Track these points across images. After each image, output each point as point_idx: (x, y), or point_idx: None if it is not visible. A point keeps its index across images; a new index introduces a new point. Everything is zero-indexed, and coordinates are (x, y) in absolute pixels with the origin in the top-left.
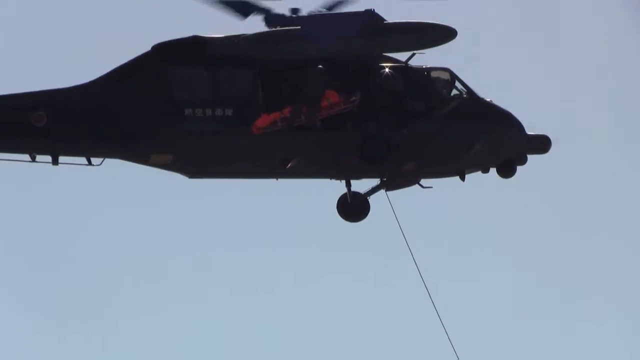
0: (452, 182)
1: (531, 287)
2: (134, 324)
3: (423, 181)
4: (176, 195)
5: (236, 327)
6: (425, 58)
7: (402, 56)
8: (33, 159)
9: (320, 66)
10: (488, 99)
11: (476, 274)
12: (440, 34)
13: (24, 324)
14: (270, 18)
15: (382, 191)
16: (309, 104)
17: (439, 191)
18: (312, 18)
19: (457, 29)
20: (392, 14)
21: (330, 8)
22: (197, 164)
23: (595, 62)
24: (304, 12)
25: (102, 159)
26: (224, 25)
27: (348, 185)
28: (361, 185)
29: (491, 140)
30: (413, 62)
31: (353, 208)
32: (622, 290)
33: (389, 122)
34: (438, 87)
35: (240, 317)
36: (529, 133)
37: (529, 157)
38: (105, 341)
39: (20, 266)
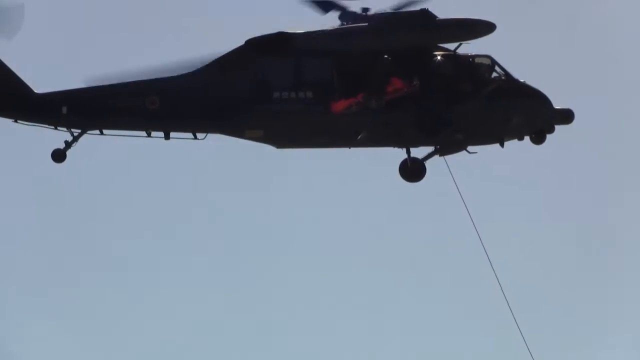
0: (493, 148)
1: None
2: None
3: (469, 148)
4: (266, 163)
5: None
6: (469, 47)
7: (451, 46)
8: (149, 135)
9: (386, 56)
10: (522, 80)
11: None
12: (483, 28)
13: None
14: (345, 15)
15: (436, 156)
16: (378, 90)
17: (482, 155)
18: (378, 16)
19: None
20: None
21: (398, 9)
22: (283, 137)
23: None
24: (372, 11)
25: (205, 134)
26: (306, 20)
27: (408, 152)
28: (419, 152)
29: (525, 114)
30: (460, 51)
31: (413, 171)
32: None
33: (441, 101)
34: (481, 71)
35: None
36: (556, 107)
37: (557, 127)
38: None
39: (141, 220)
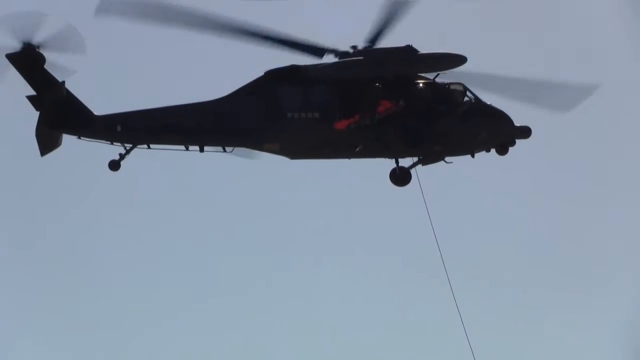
0: (465, 159)
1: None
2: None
3: (447, 158)
4: (280, 170)
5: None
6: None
7: (430, 75)
8: (187, 149)
9: (377, 84)
10: (489, 103)
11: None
12: (456, 60)
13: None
14: (339, 54)
15: (419, 165)
16: (371, 110)
17: (456, 164)
18: (372, 51)
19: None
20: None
21: (372, 41)
22: (295, 150)
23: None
24: (359, 47)
25: (232, 148)
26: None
27: (396, 162)
28: (405, 162)
29: (491, 130)
30: (438, 79)
31: (401, 177)
32: None
33: (422, 120)
34: (455, 95)
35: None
36: (516, 125)
37: (517, 141)
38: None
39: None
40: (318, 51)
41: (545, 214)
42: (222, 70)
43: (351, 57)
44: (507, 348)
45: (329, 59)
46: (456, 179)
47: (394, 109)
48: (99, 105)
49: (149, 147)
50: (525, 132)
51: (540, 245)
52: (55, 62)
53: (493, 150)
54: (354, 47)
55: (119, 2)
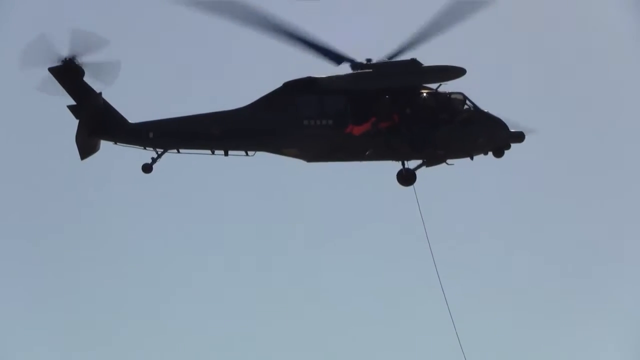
0: (465, 161)
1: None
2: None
3: (448, 161)
4: (298, 172)
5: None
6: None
7: (433, 85)
8: (213, 153)
9: (387, 96)
10: (486, 110)
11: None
12: (456, 72)
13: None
14: (355, 65)
15: (424, 167)
16: (381, 120)
17: (458, 165)
18: (380, 64)
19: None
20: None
21: (391, 57)
22: (311, 154)
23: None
24: (374, 60)
25: (254, 152)
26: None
27: (403, 164)
28: (411, 164)
29: (488, 135)
30: (440, 89)
31: (406, 178)
32: None
33: (426, 126)
34: (455, 104)
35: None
36: (511, 130)
37: (512, 145)
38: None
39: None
40: (337, 58)
41: (539, 211)
42: (244, 80)
43: (363, 68)
44: (503, 348)
45: (344, 67)
46: (456, 180)
47: (401, 119)
48: (133, 113)
49: (178, 152)
50: (519, 137)
51: (532, 241)
52: (94, 74)
53: (490, 154)
54: (368, 60)
55: None
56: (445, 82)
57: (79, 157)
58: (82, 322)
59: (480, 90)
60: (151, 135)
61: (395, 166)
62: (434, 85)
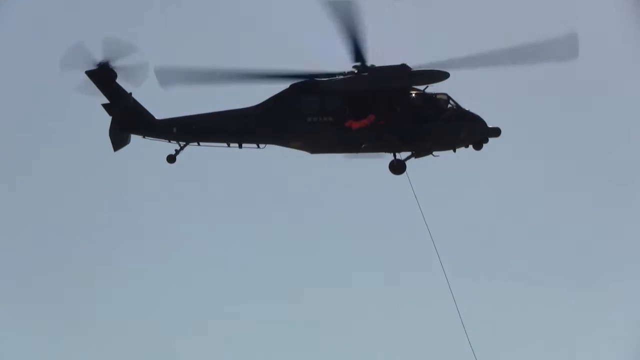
0: (448, 153)
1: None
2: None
3: (434, 153)
4: (301, 162)
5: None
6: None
7: (421, 87)
8: (228, 145)
9: (381, 96)
10: (467, 109)
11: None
12: (441, 76)
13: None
14: (359, 67)
15: (412, 158)
16: (375, 117)
17: (442, 157)
18: (375, 68)
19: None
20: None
21: (357, 60)
22: (314, 146)
23: None
24: (359, 67)
25: (265, 145)
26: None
27: (394, 155)
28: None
29: (468, 131)
30: (427, 90)
31: (397, 167)
32: None
33: (415, 123)
34: (440, 103)
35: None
36: (489, 126)
37: (490, 139)
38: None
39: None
40: (359, 57)
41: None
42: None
43: (360, 72)
44: (499, 342)
45: (346, 66)
46: (441, 170)
47: (392, 116)
48: (159, 110)
49: (198, 145)
50: (496, 132)
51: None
52: (125, 77)
53: (470, 147)
54: (355, 67)
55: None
56: (431, 84)
57: (112, 149)
58: (128, 296)
59: (463, 90)
60: (175, 130)
61: (388, 157)
62: (421, 87)
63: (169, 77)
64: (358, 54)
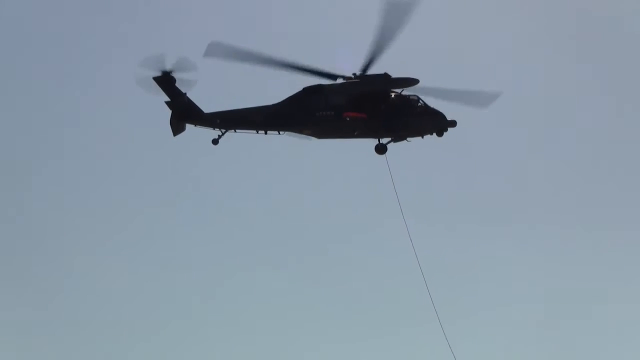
0: (418, 140)
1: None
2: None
3: (408, 139)
4: (309, 145)
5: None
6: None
7: (398, 90)
8: (257, 132)
9: (369, 96)
10: (432, 107)
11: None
12: (412, 82)
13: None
14: (345, 78)
15: (392, 142)
16: (364, 112)
17: (414, 143)
18: (363, 76)
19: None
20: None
21: (364, 69)
22: (320, 134)
23: None
24: (357, 74)
25: (284, 132)
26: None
27: (379, 140)
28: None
29: (433, 123)
30: (404, 92)
31: (380, 149)
32: None
33: (394, 116)
34: (412, 102)
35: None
36: (448, 119)
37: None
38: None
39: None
40: (333, 77)
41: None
42: (279, 86)
43: (352, 80)
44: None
45: (339, 80)
46: (411, 151)
47: (376, 112)
48: (207, 106)
49: (235, 131)
50: (453, 123)
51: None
52: (181, 81)
53: (434, 134)
54: (354, 74)
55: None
56: (405, 88)
57: (172, 134)
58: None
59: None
60: (218, 121)
61: (373, 141)
62: (398, 90)
63: (214, 49)
64: (368, 65)
